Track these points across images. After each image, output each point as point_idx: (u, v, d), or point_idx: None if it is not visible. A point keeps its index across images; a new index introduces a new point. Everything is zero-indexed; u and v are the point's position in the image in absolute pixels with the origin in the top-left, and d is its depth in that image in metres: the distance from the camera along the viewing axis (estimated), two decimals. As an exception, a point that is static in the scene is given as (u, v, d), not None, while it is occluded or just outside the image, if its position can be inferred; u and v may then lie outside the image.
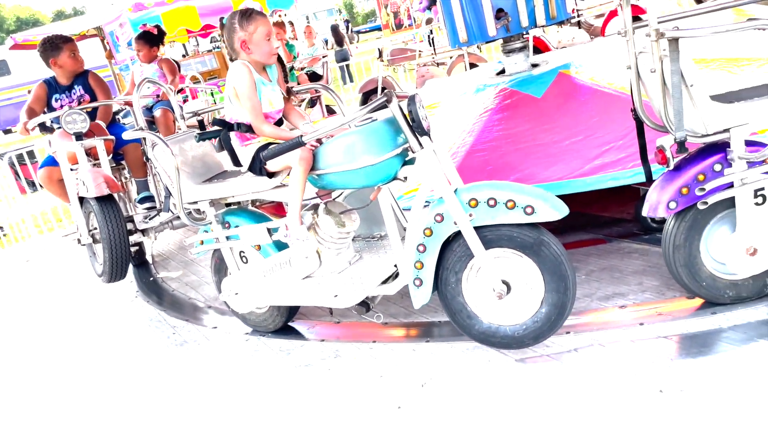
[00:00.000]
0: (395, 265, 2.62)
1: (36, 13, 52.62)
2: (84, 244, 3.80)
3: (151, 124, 4.94)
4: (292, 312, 3.12)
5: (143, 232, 3.98)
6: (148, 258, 4.68)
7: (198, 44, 15.27)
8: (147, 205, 4.09)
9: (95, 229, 3.67)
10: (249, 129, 2.62)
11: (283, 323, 3.11)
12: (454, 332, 2.75)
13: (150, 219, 3.94)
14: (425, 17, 19.76)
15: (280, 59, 2.72)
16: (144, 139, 2.81)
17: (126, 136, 2.92)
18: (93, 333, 3.66)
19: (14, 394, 3.15)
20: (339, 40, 17.18)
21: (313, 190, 2.73)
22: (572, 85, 4.24)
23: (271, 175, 2.67)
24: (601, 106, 3.83)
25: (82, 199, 3.64)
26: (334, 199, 2.77)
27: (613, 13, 7.79)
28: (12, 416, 2.93)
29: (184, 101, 7.04)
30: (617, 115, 3.66)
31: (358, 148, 2.36)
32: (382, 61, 8.21)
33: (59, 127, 3.63)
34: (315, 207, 2.70)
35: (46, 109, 4.02)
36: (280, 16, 9.13)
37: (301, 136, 2.36)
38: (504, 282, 2.32)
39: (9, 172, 8.12)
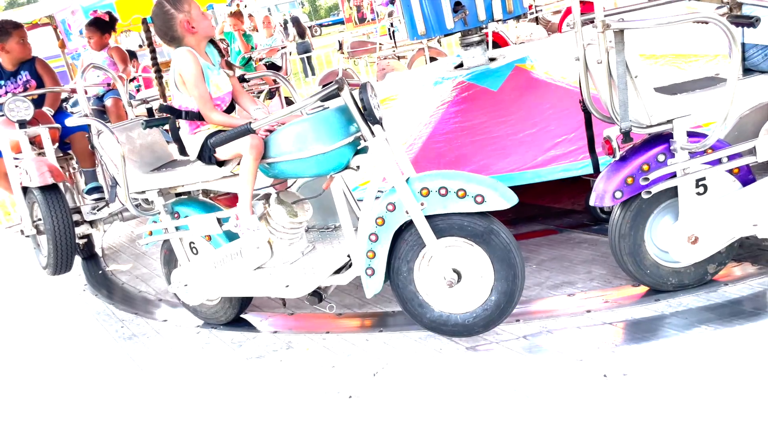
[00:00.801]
0: (348, 255, 2.60)
1: (-16, -1, 50.39)
2: (28, 236, 3.65)
3: (102, 113, 4.79)
4: (245, 304, 3.07)
5: (91, 223, 3.85)
6: (98, 251, 4.54)
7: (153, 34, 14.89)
8: (95, 195, 3.97)
9: (39, 220, 3.53)
10: (198, 116, 2.56)
11: (236, 315, 3.06)
12: (407, 322, 2.75)
13: (98, 210, 3.82)
14: (388, 11, 19.74)
15: (212, 41, 2.66)
16: (90, 126, 2.71)
17: (70, 122, 2.82)
18: (37, 327, 3.53)
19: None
20: (301, 32, 17.01)
21: (267, 180, 2.70)
22: (528, 78, 4.29)
23: (221, 164, 2.61)
24: (554, 100, 3.89)
25: (25, 189, 3.50)
26: (287, 189, 2.74)
27: (569, 11, 7.93)
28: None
29: (137, 90, 6.86)
30: (570, 108, 3.72)
31: (309, 136, 2.33)
32: (343, 53, 8.16)
33: (2, 115, 3.49)
34: (266, 196, 2.66)
35: None
36: (238, 5, 8.97)
37: (251, 122, 2.32)
38: (455, 270, 2.33)
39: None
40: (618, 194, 2.37)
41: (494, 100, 4.18)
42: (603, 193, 2.41)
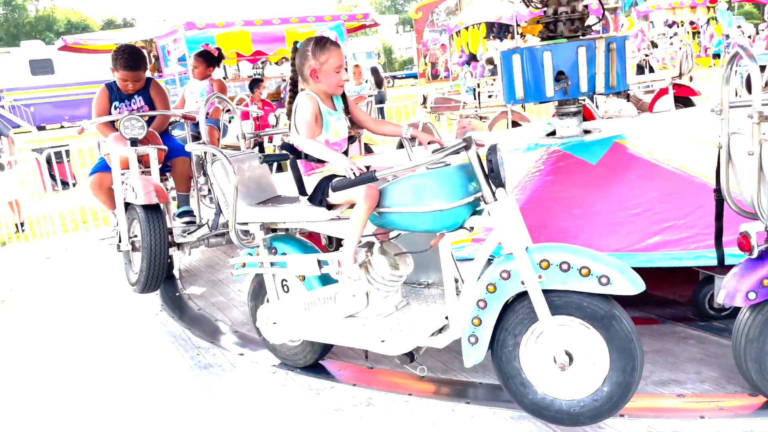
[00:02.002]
0: (446, 317, 2.50)
1: (87, 19, 54.32)
2: (122, 251, 3.72)
3: (196, 139, 4.94)
4: (326, 349, 2.99)
5: (178, 245, 3.90)
6: (175, 272, 4.59)
7: (239, 69, 15.63)
8: (186, 219, 4.03)
9: (135, 236, 3.60)
10: (315, 159, 2.56)
11: (315, 360, 2.98)
12: (494, 396, 2.61)
13: (189, 233, 3.87)
14: (463, 71, 20.08)
15: (344, 94, 2.68)
16: (205, 153, 2.75)
17: (189, 148, 2.88)
18: (114, 344, 3.53)
19: (24, 408, 3.02)
20: (378, 82, 17.43)
21: (370, 227, 2.66)
22: (628, 156, 4.17)
23: (330, 207, 2.59)
24: (658, 182, 3.74)
25: (127, 205, 3.58)
26: (390, 239, 2.68)
27: (663, 91, 7.81)
28: None
29: (229, 121, 7.08)
30: (677, 192, 3.58)
31: (429, 191, 2.27)
32: (426, 107, 8.25)
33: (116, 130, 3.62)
34: (369, 245, 2.60)
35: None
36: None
37: (374, 171, 2.29)
38: (566, 353, 2.19)
39: (37, 168, 8.16)
40: (752, 295, 2.20)
41: (593, 173, 4.06)
42: (734, 292, 2.23)
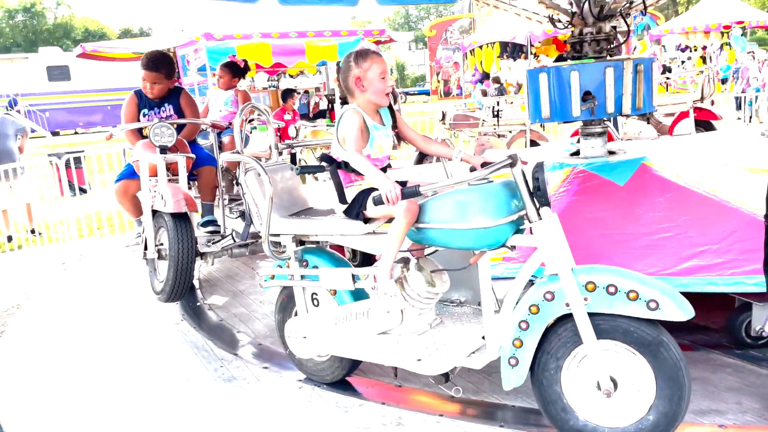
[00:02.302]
0: (483, 337, 2.44)
1: (104, 28, 55.00)
2: (148, 259, 3.68)
3: (221, 148, 4.92)
4: (354, 366, 2.93)
5: (202, 255, 3.86)
6: (195, 282, 4.55)
7: (254, 81, 15.74)
8: (210, 228, 4.00)
9: (162, 245, 3.56)
10: (354, 170, 2.53)
11: (342, 377, 2.92)
12: (528, 420, 2.54)
13: (213, 243, 3.83)
14: (477, 89, 20.14)
15: (390, 106, 2.65)
16: (238, 163, 2.72)
17: (224, 158, 2.86)
18: (136, 353, 3.48)
19: (43, 419, 2.97)
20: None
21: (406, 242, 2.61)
22: (656, 178, 4.11)
23: (366, 220, 2.55)
24: (690, 205, 3.69)
25: (154, 213, 3.55)
26: (426, 256, 2.63)
27: (684, 114, 7.76)
28: None
29: (250, 132, 7.08)
30: (708, 217, 3.51)
31: (473, 208, 2.23)
32: (444, 123, 8.24)
33: (145, 137, 3.60)
34: (405, 261, 2.56)
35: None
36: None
37: (417, 186, 2.25)
38: (611, 378, 2.12)
39: (56, 172, 8.17)
40: (802, 324, 2.13)
41: (621, 195, 4.01)
42: (785, 321, 2.17)
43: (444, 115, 8.27)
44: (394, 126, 2.69)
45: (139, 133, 3.82)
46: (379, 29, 16.05)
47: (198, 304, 4.14)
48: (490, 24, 20.07)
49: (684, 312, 2.04)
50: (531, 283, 2.31)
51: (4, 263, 6.18)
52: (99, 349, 3.58)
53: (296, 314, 2.91)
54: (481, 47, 19.25)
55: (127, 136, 3.86)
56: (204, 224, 4.00)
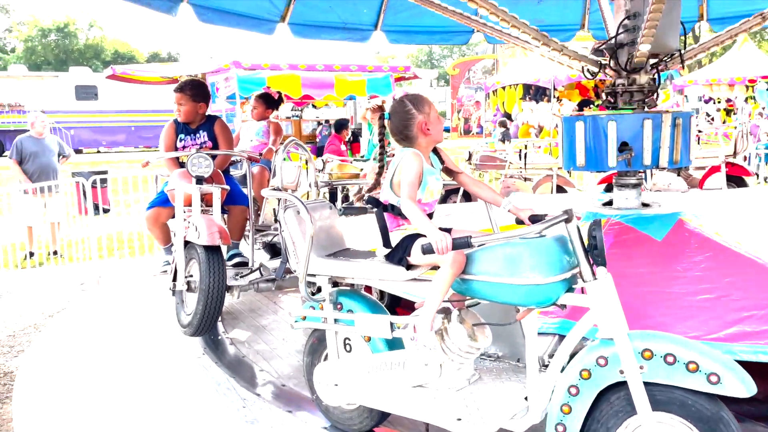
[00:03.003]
0: (525, 398, 2.33)
1: (134, 51, 56.34)
2: (176, 291, 3.62)
3: (242, 179, 4.90)
4: (383, 417, 2.81)
5: (228, 288, 3.79)
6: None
7: (278, 110, 15.96)
8: (236, 261, 3.94)
9: (191, 276, 3.50)
10: (402, 214, 2.47)
11: (370, 428, 2.80)
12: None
13: (241, 276, 3.77)
14: (499, 130, 20.17)
15: (436, 147, 2.62)
16: (280, 200, 2.67)
17: (265, 194, 2.81)
18: (157, 386, 3.39)
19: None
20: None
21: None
22: (695, 235, 4.01)
23: (408, 266, 2.47)
24: (733, 266, 3.57)
25: (185, 243, 3.51)
26: (467, 308, 2.54)
27: (716, 169, 7.67)
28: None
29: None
30: (753, 280, 3.40)
31: (525, 263, 2.15)
32: (470, 164, 8.21)
33: (182, 164, 3.58)
34: (446, 312, 2.47)
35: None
36: (383, 102, 9.37)
37: (469, 237, 2.17)
38: (666, 454, 2.00)
39: (75, 191, 8.21)
40: None
41: (659, 251, 3.91)
42: None
43: (470, 155, 8.24)
44: (445, 169, 2.65)
45: (177, 161, 3.81)
46: (405, 66, 16.19)
47: (219, 337, 4.05)
48: (514, 65, 20.24)
49: (746, 388, 1.92)
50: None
51: (24, 280, 6.16)
52: (118, 378, 3.50)
53: (326, 358, 2.82)
54: (503, 88, 19.39)
55: (166, 162, 3.86)
56: (230, 257, 3.95)
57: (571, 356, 2.21)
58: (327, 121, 21.88)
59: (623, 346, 2.01)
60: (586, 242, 2.18)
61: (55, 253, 7.26)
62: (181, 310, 3.68)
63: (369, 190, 2.71)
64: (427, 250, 2.22)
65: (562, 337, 2.92)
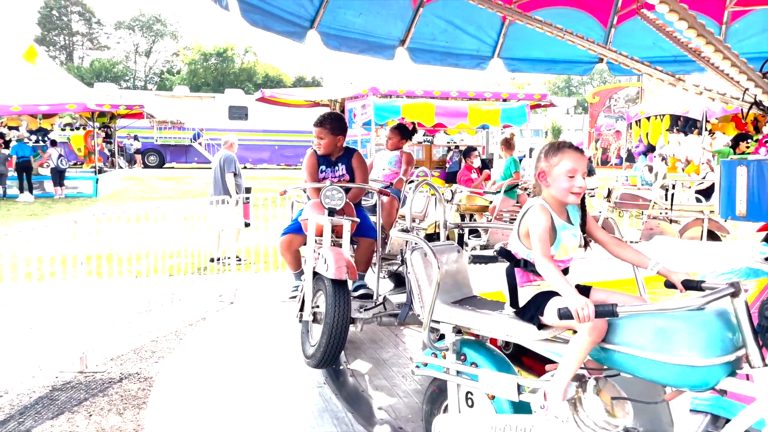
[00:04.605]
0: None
1: (282, 75, 60.53)
2: (302, 320, 3.71)
3: (372, 209, 4.94)
4: (503, 481, 2.62)
5: (352, 321, 3.81)
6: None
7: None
8: (361, 292, 3.96)
9: (317, 307, 3.57)
10: (534, 269, 2.31)
11: (488, 491, 2.62)
12: None
13: (366, 310, 3.77)
14: (641, 163, 18.88)
15: (583, 204, 2.40)
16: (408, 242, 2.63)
17: (393, 235, 2.78)
18: (277, 412, 3.46)
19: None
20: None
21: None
22: None
23: (540, 326, 2.30)
24: None
25: (314, 275, 3.58)
26: (606, 378, 2.30)
27: None
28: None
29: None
30: None
31: (681, 340, 1.89)
32: (609, 201, 7.69)
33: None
34: (581, 380, 2.25)
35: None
36: (512, 135, 9.15)
37: (615, 305, 1.96)
38: None
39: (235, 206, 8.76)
40: None
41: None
42: None
43: (610, 192, 7.72)
44: (583, 225, 2.42)
45: (318, 190, 3.92)
46: (541, 93, 15.75)
47: (341, 367, 4.08)
48: (660, 94, 18.92)
49: None
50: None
51: (189, 284, 6.62)
52: (243, 398, 3.62)
53: (446, 409, 2.69)
54: (648, 118, 18.18)
55: (310, 191, 3.98)
56: (355, 288, 3.97)
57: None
58: (457, 147, 21.85)
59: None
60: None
61: (217, 259, 7.71)
62: (306, 340, 3.75)
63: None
64: (565, 315, 2.04)
65: (714, 417, 2.57)
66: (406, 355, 4.36)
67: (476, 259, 2.52)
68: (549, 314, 2.22)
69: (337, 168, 4.08)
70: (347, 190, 3.81)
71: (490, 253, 2.46)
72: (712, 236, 7.51)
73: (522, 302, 2.32)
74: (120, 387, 3.95)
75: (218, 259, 7.56)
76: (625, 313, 1.96)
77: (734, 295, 1.87)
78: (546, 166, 2.32)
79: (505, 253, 2.39)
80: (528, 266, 2.32)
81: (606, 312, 1.95)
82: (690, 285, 2.16)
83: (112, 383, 4.01)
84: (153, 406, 3.58)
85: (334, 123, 4.07)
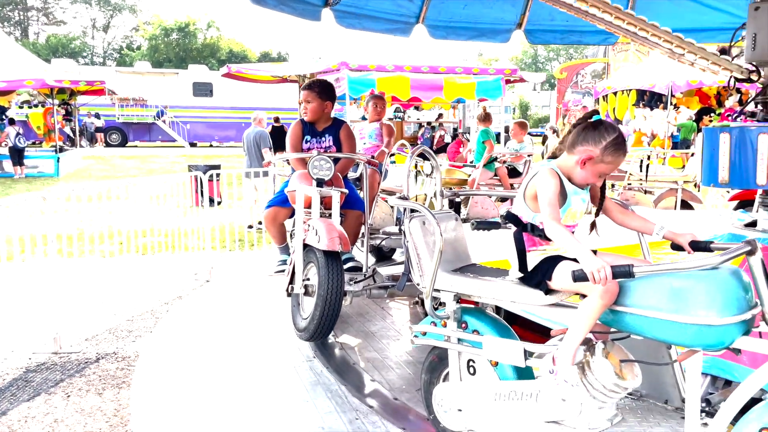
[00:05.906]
0: (681, 450, 2.04)
1: (247, 50, 59.17)
2: (293, 294, 3.60)
3: (356, 181, 4.84)
4: (506, 447, 2.60)
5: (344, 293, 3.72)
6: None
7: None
8: (350, 265, 3.87)
9: (308, 280, 3.47)
10: (542, 234, 2.25)
11: (491, 457, 2.60)
12: None
13: (355, 282, 3.69)
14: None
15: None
16: (405, 209, 2.54)
17: (392, 202, 2.70)
18: (268, 388, 3.38)
19: None
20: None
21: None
22: None
23: (547, 291, 2.25)
24: None
25: (304, 246, 3.47)
26: (613, 341, 2.27)
27: None
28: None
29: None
30: None
31: (696, 298, 1.87)
32: (585, 173, 7.74)
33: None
34: (589, 344, 2.22)
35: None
36: (485, 108, 9.10)
37: (631, 266, 1.92)
38: None
39: (191, 183, 8.56)
40: None
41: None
42: None
43: (585, 164, 7.77)
44: (601, 198, 2.37)
45: (303, 162, 3.80)
46: (511, 68, 15.72)
47: (330, 341, 4.00)
48: (627, 70, 19.10)
49: None
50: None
51: (161, 263, 6.45)
52: (231, 374, 3.52)
53: (446, 378, 2.65)
54: (615, 93, 18.38)
55: (293, 161, 3.85)
56: (344, 261, 3.88)
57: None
58: (429, 123, 21.74)
59: (820, 409, 1.69)
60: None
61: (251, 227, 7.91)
62: (297, 313, 3.66)
63: None
64: (580, 277, 1.98)
65: (714, 378, 2.58)
66: (395, 327, 4.30)
67: (479, 226, 2.45)
68: (558, 278, 2.18)
69: (323, 139, 3.95)
70: (336, 161, 3.69)
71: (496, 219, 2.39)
72: (686, 206, 7.65)
73: (529, 267, 2.26)
74: (97, 367, 3.81)
75: (258, 224, 7.82)
76: (642, 273, 1.92)
77: (750, 253, 1.85)
78: (598, 158, 2.19)
79: (511, 218, 2.32)
80: (535, 230, 2.27)
81: (622, 272, 1.91)
82: (698, 246, 2.14)
83: (89, 363, 3.87)
84: (137, 386, 3.46)
85: (323, 88, 3.95)
